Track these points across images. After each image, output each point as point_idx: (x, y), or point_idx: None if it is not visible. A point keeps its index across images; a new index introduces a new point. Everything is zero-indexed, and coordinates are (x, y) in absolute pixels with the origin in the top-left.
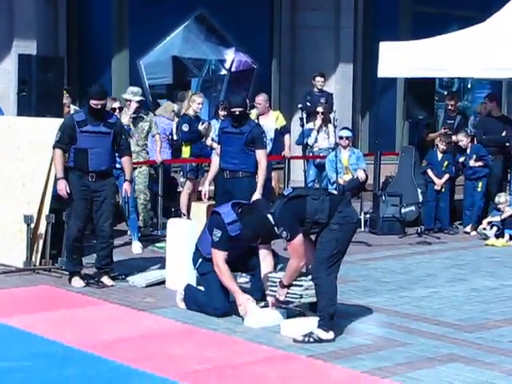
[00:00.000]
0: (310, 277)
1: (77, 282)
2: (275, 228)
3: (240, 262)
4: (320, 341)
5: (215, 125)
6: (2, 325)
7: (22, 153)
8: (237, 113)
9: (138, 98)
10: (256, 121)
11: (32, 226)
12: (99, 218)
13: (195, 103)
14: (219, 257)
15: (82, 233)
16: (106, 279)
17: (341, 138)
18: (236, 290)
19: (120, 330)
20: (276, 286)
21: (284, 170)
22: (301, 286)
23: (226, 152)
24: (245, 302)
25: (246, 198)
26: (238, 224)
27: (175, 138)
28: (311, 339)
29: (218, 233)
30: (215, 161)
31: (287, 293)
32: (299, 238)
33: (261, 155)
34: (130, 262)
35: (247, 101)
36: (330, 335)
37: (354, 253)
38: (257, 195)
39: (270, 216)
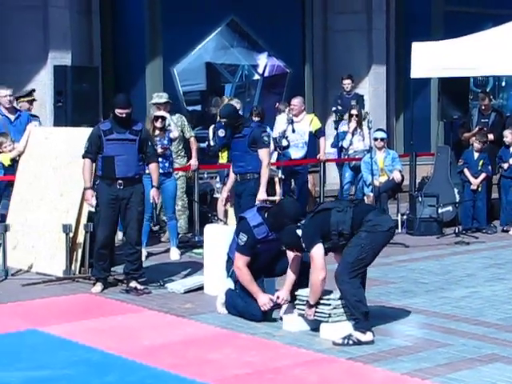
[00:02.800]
0: (338, 295)
1: (95, 287)
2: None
3: (270, 266)
4: (359, 343)
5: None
6: (43, 333)
7: (59, 162)
8: (222, 123)
9: (164, 100)
10: (290, 125)
11: (71, 235)
12: (127, 225)
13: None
14: (241, 261)
15: (109, 240)
16: (134, 284)
17: (375, 139)
18: (256, 291)
19: (160, 337)
20: (303, 305)
21: (320, 173)
22: (329, 304)
23: (234, 156)
24: (267, 301)
25: (251, 198)
26: (264, 226)
27: (211, 143)
28: (350, 341)
29: (243, 237)
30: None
31: (315, 311)
32: (318, 249)
33: (262, 154)
34: (169, 269)
35: (237, 110)
36: (369, 337)
37: (391, 254)
38: (261, 195)
39: (299, 231)
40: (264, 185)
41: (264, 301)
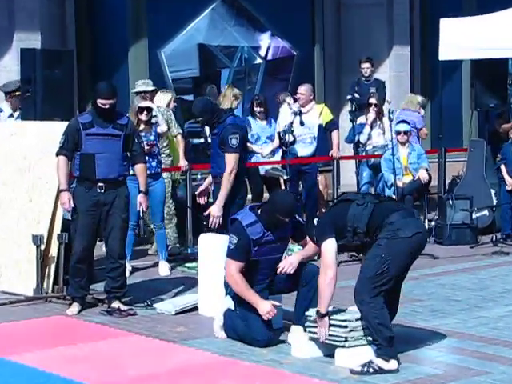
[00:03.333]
0: (356, 315)
1: (71, 308)
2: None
3: (273, 279)
4: (381, 371)
5: (250, 123)
6: (11, 363)
7: (28, 162)
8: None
9: (152, 88)
10: (297, 117)
11: (42, 247)
12: (108, 235)
13: (237, 101)
14: (232, 266)
15: (88, 253)
16: (116, 304)
17: (398, 132)
18: (255, 299)
19: (147, 366)
20: (315, 327)
21: (333, 173)
22: (345, 326)
23: (211, 155)
24: (269, 308)
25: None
26: (258, 225)
27: (209, 140)
28: (371, 369)
29: (234, 239)
30: None
31: (329, 335)
32: (329, 244)
33: (226, 159)
34: (157, 286)
35: (211, 103)
36: (393, 365)
37: (417, 267)
38: (214, 209)
39: (315, 219)
40: (222, 198)
41: (265, 308)
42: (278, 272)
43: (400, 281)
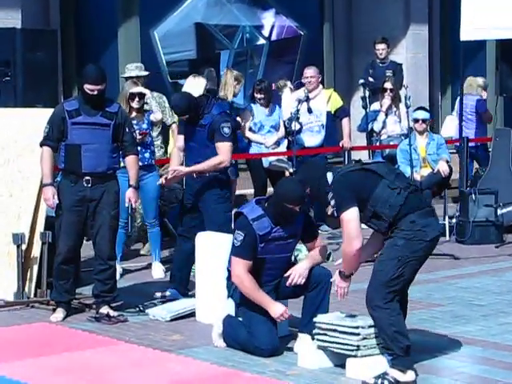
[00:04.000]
0: (369, 322)
1: (56, 314)
2: (327, 191)
3: (282, 282)
4: (397, 383)
5: (253, 110)
6: None
7: (7, 154)
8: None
9: (144, 73)
10: (304, 103)
11: (23, 247)
12: (96, 234)
13: (239, 85)
14: (239, 266)
15: (74, 253)
16: (105, 309)
17: (416, 120)
18: (267, 302)
19: (140, 378)
20: (324, 335)
21: (344, 165)
22: (357, 334)
23: (190, 148)
24: (282, 311)
25: (219, 201)
26: (266, 219)
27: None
28: (386, 382)
29: (239, 235)
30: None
31: (340, 343)
32: (350, 213)
33: (220, 149)
34: (151, 290)
35: (194, 98)
36: (410, 376)
37: (437, 269)
38: (183, 168)
39: (330, 174)
40: (198, 168)
41: (278, 310)
42: (287, 284)
43: (408, 283)
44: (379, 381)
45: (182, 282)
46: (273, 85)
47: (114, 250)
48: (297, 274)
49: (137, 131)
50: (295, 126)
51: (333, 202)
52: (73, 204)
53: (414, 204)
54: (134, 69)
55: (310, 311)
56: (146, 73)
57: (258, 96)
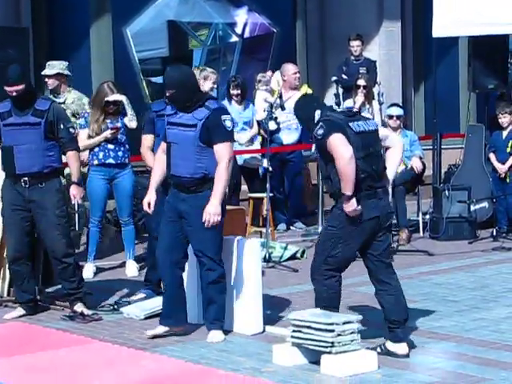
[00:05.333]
0: (343, 319)
1: (13, 312)
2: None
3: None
4: (388, 353)
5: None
6: None
7: None
8: (166, 97)
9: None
10: (278, 99)
11: None
12: (44, 236)
13: (210, 82)
14: (143, 141)
15: (22, 253)
16: (79, 307)
17: (390, 117)
18: (151, 184)
19: (114, 376)
20: (298, 332)
21: (317, 163)
22: (331, 331)
23: (173, 151)
24: (149, 199)
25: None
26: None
27: None
28: (378, 349)
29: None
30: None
31: (314, 340)
32: (338, 135)
33: (222, 149)
34: (124, 288)
35: (194, 76)
36: (402, 349)
37: (411, 265)
38: (213, 207)
39: (318, 111)
40: (220, 194)
41: (146, 200)
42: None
43: (373, 260)
44: (376, 347)
45: (156, 282)
46: (261, 75)
47: (69, 246)
48: (209, 218)
49: (109, 126)
50: (272, 126)
51: (320, 131)
52: (14, 204)
53: (363, 187)
54: (48, 66)
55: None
56: (56, 71)
57: (235, 92)
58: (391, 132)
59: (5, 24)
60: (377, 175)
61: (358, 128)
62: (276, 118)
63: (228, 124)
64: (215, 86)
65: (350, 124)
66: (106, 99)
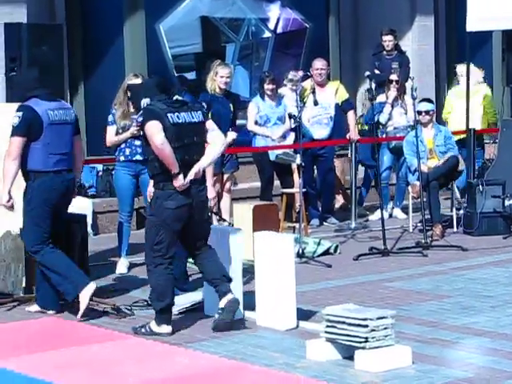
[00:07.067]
0: (377, 314)
1: (30, 307)
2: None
3: None
4: (151, 333)
5: (258, 103)
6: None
7: None
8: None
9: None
10: (311, 95)
11: None
12: None
13: (218, 76)
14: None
15: None
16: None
17: (419, 112)
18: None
19: (148, 372)
20: (332, 327)
21: (350, 158)
22: (366, 326)
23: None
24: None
25: None
26: None
27: None
28: (143, 329)
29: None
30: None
31: (348, 335)
32: (153, 123)
33: (216, 136)
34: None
35: (165, 81)
36: (164, 329)
37: (445, 260)
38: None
39: (147, 100)
40: (209, 175)
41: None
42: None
43: (192, 240)
44: (139, 328)
45: (178, 279)
46: (292, 73)
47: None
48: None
49: (134, 123)
50: (291, 122)
51: (140, 118)
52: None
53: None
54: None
55: None
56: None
57: (270, 87)
58: (215, 128)
59: (39, 21)
60: (189, 164)
61: (177, 120)
62: (294, 116)
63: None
64: (228, 80)
65: (169, 115)
66: (128, 82)
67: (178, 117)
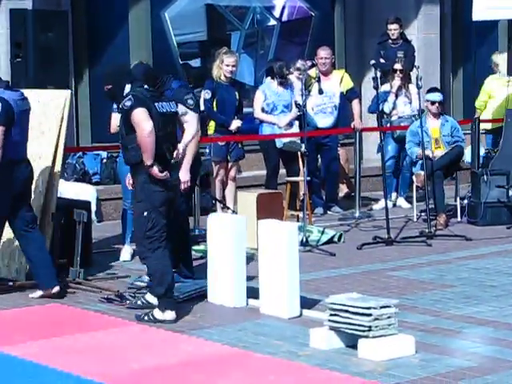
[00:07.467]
0: (381, 303)
1: (35, 293)
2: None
3: None
4: (155, 321)
5: (265, 91)
6: (4, 355)
7: None
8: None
9: None
10: (316, 84)
11: None
12: None
13: (224, 65)
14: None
15: None
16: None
17: (433, 103)
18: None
19: (152, 358)
20: (335, 315)
21: (354, 147)
22: (369, 315)
23: None
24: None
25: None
26: None
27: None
28: (146, 317)
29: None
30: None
31: (352, 324)
32: (142, 110)
33: (188, 121)
34: None
35: (152, 68)
36: (169, 315)
37: (449, 250)
38: (184, 174)
39: (129, 85)
40: (189, 160)
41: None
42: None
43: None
44: (143, 316)
45: (181, 265)
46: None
47: None
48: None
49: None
50: (301, 110)
51: (128, 103)
52: None
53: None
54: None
55: None
56: None
57: (286, 73)
58: (188, 110)
59: (44, 7)
60: (168, 152)
61: (162, 109)
62: (299, 104)
63: (190, 102)
64: (234, 68)
65: (156, 104)
66: None
67: (162, 106)
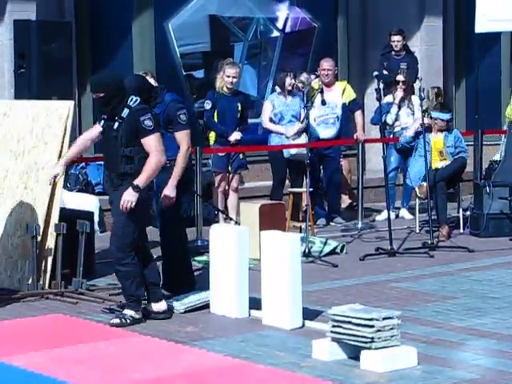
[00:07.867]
0: (383, 314)
1: None
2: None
3: None
4: (134, 321)
5: (274, 101)
6: (5, 365)
7: (23, 146)
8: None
9: None
10: (319, 95)
11: (38, 238)
12: None
13: (225, 76)
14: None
15: None
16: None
17: (442, 120)
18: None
19: (153, 369)
20: (338, 327)
21: (357, 157)
22: (372, 326)
23: None
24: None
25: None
26: None
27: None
28: (128, 321)
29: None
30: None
31: (354, 335)
32: (159, 134)
33: (179, 137)
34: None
35: (147, 81)
36: (140, 315)
37: (451, 261)
38: (169, 190)
39: (135, 98)
40: (176, 177)
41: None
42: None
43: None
44: (122, 320)
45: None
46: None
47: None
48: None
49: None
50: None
51: (150, 123)
52: None
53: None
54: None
55: None
56: None
57: (292, 82)
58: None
59: (48, 18)
60: None
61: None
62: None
63: (183, 118)
64: (235, 79)
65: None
66: None
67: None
